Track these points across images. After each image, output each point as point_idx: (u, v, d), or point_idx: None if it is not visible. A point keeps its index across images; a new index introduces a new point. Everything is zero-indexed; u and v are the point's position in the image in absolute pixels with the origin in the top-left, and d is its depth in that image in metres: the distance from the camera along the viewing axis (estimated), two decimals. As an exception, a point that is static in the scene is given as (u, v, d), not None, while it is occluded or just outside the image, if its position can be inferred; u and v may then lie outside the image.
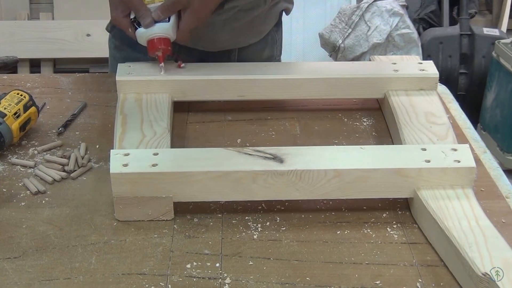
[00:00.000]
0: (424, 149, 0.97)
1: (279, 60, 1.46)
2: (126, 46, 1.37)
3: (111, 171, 0.91)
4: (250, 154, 0.94)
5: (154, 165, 0.91)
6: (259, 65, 1.23)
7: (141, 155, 0.95)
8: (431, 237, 0.90)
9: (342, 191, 0.94)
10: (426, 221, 0.91)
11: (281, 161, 0.93)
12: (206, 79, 1.18)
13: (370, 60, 1.31)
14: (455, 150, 0.96)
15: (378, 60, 1.28)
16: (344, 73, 1.20)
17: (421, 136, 1.05)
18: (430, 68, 1.21)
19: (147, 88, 1.16)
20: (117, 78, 1.17)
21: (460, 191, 0.93)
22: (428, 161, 0.94)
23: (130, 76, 1.17)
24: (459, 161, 0.94)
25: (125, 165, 0.91)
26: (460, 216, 0.88)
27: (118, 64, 1.21)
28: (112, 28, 1.40)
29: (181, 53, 1.30)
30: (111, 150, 0.95)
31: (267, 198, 0.95)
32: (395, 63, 1.23)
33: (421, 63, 1.23)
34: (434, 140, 1.04)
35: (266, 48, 1.40)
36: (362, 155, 0.96)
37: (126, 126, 1.07)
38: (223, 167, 0.92)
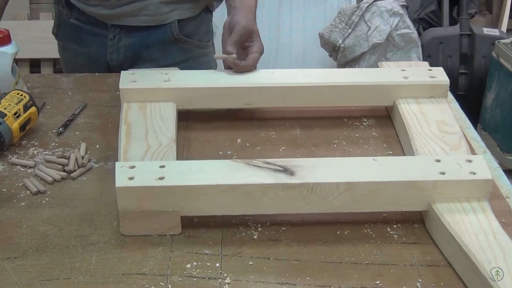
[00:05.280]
0: (438, 161, 0.94)
1: (213, 40, 1.51)
2: (71, 43, 1.43)
3: (116, 185, 0.88)
4: (259, 166, 0.91)
5: (161, 178, 0.89)
6: (266, 72, 1.20)
7: (147, 167, 0.92)
8: (446, 251, 0.88)
9: (354, 205, 0.91)
10: (441, 235, 0.89)
11: (291, 173, 0.90)
12: (212, 87, 1.15)
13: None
14: (470, 161, 0.94)
15: (386, 66, 1.25)
16: (353, 80, 1.17)
17: (434, 146, 1.03)
18: (440, 75, 1.18)
19: (151, 96, 1.14)
20: (120, 86, 1.14)
21: (476, 204, 0.90)
22: (443, 173, 0.91)
23: (134, 84, 1.14)
24: (474, 173, 0.91)
25: (131, 178, 0.89)
26: (477, 231, 0.85)
27: (121, 72, 1.18)
28: (57, 30, 1.46)
29: (122, 34, 1.36)
30: (116, 163, 0.93)
31: (277, 211, 0.92)
32: (404, 70, 1.20)
33: (431, 70, 1.20)
34: (447, 150, 1.02)
35: (204, 23, 1.45)
36: (375, 167, 0.93)
37: (131, 136, 1.04)
38: (232, 180, 0.89)
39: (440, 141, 1.04)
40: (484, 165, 0.93)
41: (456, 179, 0.91)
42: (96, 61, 1.42)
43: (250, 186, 0.89)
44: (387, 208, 0.93)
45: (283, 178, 0.90)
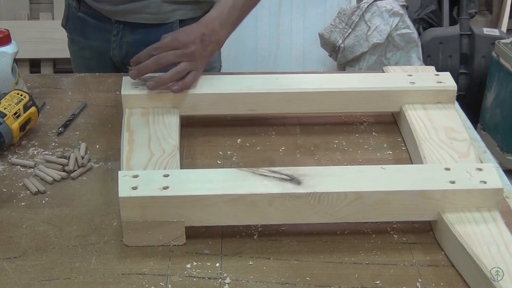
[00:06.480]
0: (448, 169, 0.92)
1: None
2: (78, 36, 1.44)
3: (119, 195, 0.86)
4: (265, 175, 0.90)
5: (165, 188, 0.87)
6: (270, 77, 1.19)
7: (150, 177, 0.90)
8: (457, 262, 0.87)
9: (362, 214, 0.90)
10: (452, 246, 0.87)
11: (298, 182, 0.89)
12: (216, 93, 1.14)
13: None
14: (481, 169, 0.92)
15: (392, 71, 1.24)
16: (359, 86, 1.16)
17: (442, 154, 1.01)
18: (448, 80, 1.16)
19: (154, 102, 1.12)
20: (122, 92, 1.12)
21: (487, 214, 0.89)
22: (453, 182, 0.90)
23: (136, 90, 1.13)
24: (485, 182, 0.90)
25: (134, 188, 0.87)
26: (489, 242, 0.84)
27: (123, 77, 1.17)
28: (66, 22, 1.47)
29: (125, 31, 1.37)
30: (119, 172, 0.91)
31: (284, 221, 0.91)
32: (410, 75, 1.18)
33: (437, 75, 1.18)
34: (455, 157, 1.00)
35: None
36: (384, 176, 0.92)
37: (133, 143, 1.03)
38: (238, 189, 0.88)
39: (448, 148, 1.03)
40: (494, 173, 0.91)
41: (466, 188, 0.89)
42: (101, 55, 1.43)
43: (256, 195, 0.87)
44: (395, 218, 0.92)
45: (289, 188, 0.88)
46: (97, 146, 1.12)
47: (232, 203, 0.88)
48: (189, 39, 1.13)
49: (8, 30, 1.23)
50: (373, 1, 2.74)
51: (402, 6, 2.78)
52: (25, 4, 3.10)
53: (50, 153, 1.10)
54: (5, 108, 1.09)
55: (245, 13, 1.22)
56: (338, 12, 2.82)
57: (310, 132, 1.17)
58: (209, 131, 1.17)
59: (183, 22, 1.37)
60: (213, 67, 1.45)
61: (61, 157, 1.07)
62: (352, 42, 2.74)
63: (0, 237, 0.91)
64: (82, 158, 1.07)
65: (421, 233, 0.93)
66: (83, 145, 1.11)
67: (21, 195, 1.00)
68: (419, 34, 2.84)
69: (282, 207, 0.88)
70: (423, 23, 2.95)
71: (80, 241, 0.91)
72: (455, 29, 2.83)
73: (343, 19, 2.77)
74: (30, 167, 1.06)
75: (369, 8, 2.74)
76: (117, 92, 1.22)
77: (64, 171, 1.04)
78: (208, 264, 0.87)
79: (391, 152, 1.11)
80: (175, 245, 0.90)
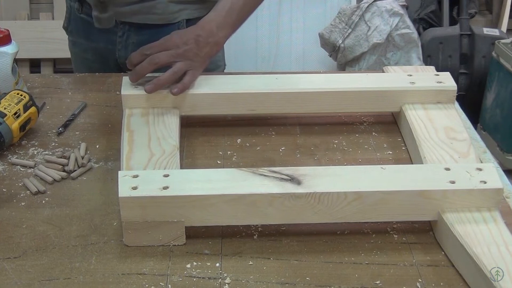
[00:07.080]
0: (448, 169, 0.92)
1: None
2: (81, 38, 1.43)
3: (119, 195, 0.86)
4: (265, 175, 0.90)
5: (165, 188, 0.88)
6: (270, 77, 1.19)
7: (150, 177, 0.90)
8: (457, 262, 0.87)
9: (362, 214, 0.90)
10: (452, 246, 0.88)
11: (298, 182, 0.89)
12: (216, 93, 1.14)
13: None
14: (480, 169, 0.92)
15: (392, 71, 1.24)
16: (359, 86, 1.16)
17: (442, 154, 1.01)
18: (448, 80, 1.16)
19: (154, 102, 1.12)
20: (122, 92, 1.12)
21: (487, 214, 0.89)
22: (453, 182, 0.90)
23: (136, 90, 1.12)
24: (485, 182, 0.90)
25: (134, 188, 0.87)
26: (489, 242, 0.84)
27: (123, 77, 1.17)
28: (68, 24, 1.46)
29: (131, 32, 1.37)
30: (119, 172, 0.91)
31: (283, 221, 0.91)
32: (410, 75, 1.18)
33: (437, 75, 1.18)
34: (455, 157, 1.00)
35: None
36: (383, 176, 0.92)
37: (133, 144, 1.03)
38: (238, 189, 0.88)
39: (448, 148, 1.03)
40: (494, 173, 0.92)
41: (466, 188, 0.89)
42: (105, 57, 1.42)
43: (256, 195, 0.87)
44: (395, 218, 0.92)
45: (289, 188, 0.88)
46: (97, 146, 1.12)
47: (232, 203, 0.88)
48: (182, 40, 1.14)
49: (8, 30, 1.23)
50: (373, 1, 2.74)
51: (402, 6, 2.78)
52: (25, 4, 3.10)
53: (50, 153, 1.10)
54: (5, 108, 1.09)
55: (245, 14, 1.22)
56: (338, 12, 2.82)
57: (310, 132, 1.17)
58: (209, 131, 1.17)
59: (189, 22, 1.37)
60: (218, 66, 1.45)
61: (61, 157, 1.07)
62: (352, 42, 2.74)
63: (0, 237, 0.91)
64: (82, 158, 1.07)
65: (421, 233, 0.93)
66: (83, 145, 1.11)
67: (21, 195, 1.00)
68: (419, 34, 2.84)
69: (282, 207, 0.88)
70: (423, 23, 2.95)
71: (80, 241, 0.91)
72: (455, 29, 2.83)
73: (343, 19, 2.77)
74: (30, 167, 1.06)
75: (369, 8, 2.74)
76: (117, 92, 1.22)
77: (64, 171, 1.04)
78: (208, 264, 0.87)
79: (391, 152, 1.11)
80: (175, 245, 0.90)
